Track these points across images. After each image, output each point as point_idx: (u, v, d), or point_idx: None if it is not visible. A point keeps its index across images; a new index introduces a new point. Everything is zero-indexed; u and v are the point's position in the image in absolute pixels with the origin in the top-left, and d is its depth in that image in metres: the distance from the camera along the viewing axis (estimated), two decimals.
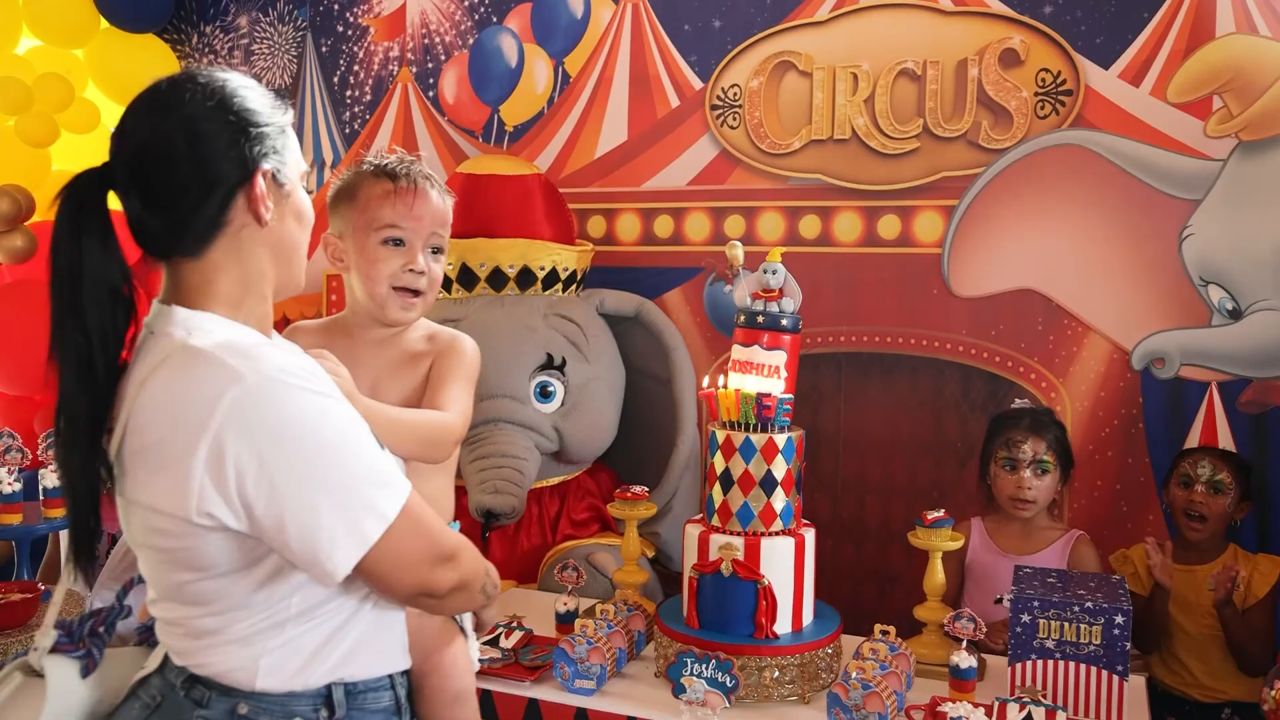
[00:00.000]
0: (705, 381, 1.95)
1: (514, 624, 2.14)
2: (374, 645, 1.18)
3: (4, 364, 3.36)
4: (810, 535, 1.96)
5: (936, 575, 2.01)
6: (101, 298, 1.09)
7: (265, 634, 1.10)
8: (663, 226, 3.12)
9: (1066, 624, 1.78)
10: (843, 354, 2.93)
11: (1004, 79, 2.72)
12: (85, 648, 1.19)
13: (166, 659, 1.16)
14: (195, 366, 1.04)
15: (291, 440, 1.03)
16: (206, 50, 3.82)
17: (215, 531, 1.05)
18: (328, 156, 3.59)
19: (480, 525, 2.48)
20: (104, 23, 3.66)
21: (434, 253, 1.47)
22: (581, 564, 2.49)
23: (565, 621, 2.13)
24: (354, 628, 1.15)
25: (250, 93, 1.15)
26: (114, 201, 1.13)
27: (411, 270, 1.42)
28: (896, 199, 2.84)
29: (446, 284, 2.79)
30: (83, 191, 1.11)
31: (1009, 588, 1.86)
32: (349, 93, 3.56)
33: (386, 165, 1.43)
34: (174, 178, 1.10)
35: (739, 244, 1.93)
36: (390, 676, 1.21)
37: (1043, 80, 2.69)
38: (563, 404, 2.68)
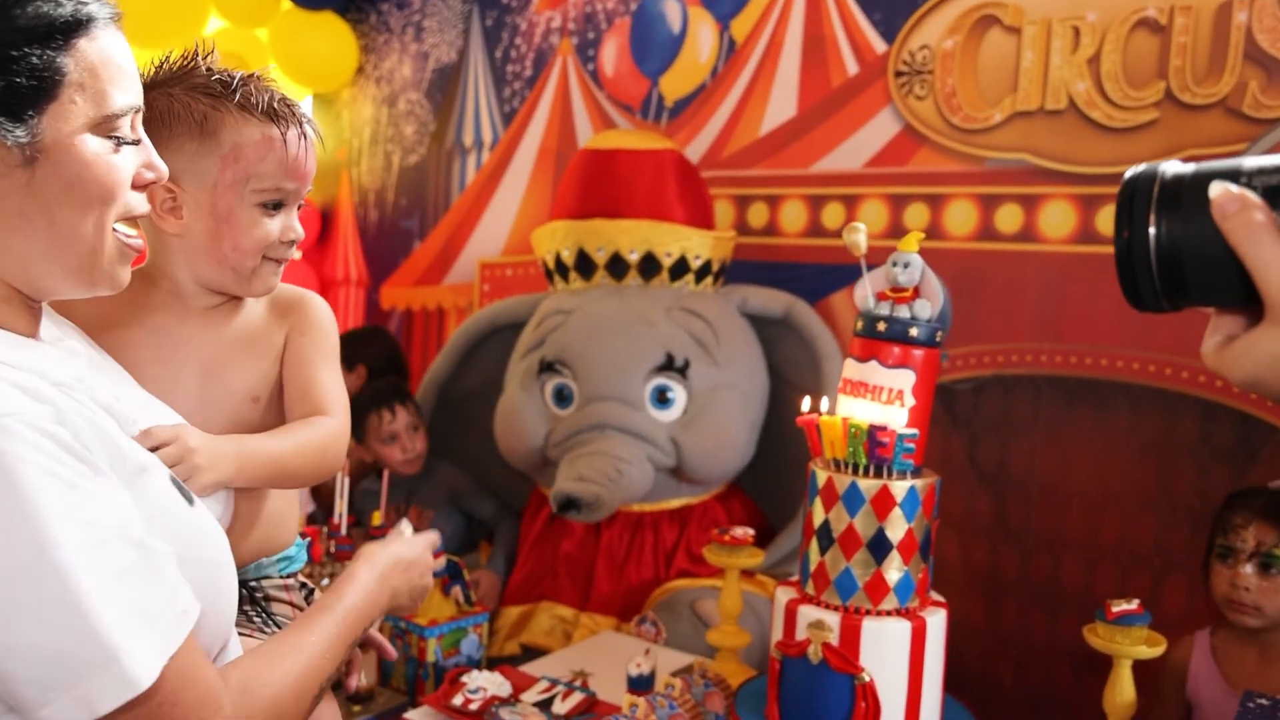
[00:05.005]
0: (806, 405, 1.50)
1: (576, 683, 1.78)
2: None
3: None
4: (938, 620, 1.46)
5: (1122, 690, 1.46)
6: None
7: None
8: (832, 216, 2.65)
9: None
10: (1043, 377, 2.35)
11: None
12: None
13: None
14: None
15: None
16: (383, 28, 3.71)
17: None
18: (487, 137, 3.38)
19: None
20: (286, 2, 3.64)
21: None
22: (683, 613, 2.10)
23: (638, 688, 1.75)
24: None
25: None
26: None
27: (289, 239, 1.11)
28: None
29: (563, 272, 2.47)
30: None
31: None
32: (510, 68, 3.32)
33: (262, 101, 1.07)
34: None
35: (861, 227, 1.46)
36: None
37: None
38: (684, 413, 2.28)
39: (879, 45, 2.56)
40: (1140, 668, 1.47)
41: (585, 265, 2.41)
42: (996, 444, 2.39)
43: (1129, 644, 1.44)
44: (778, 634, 1.49)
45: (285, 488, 1.10)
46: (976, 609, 2.43)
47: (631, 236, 2.35)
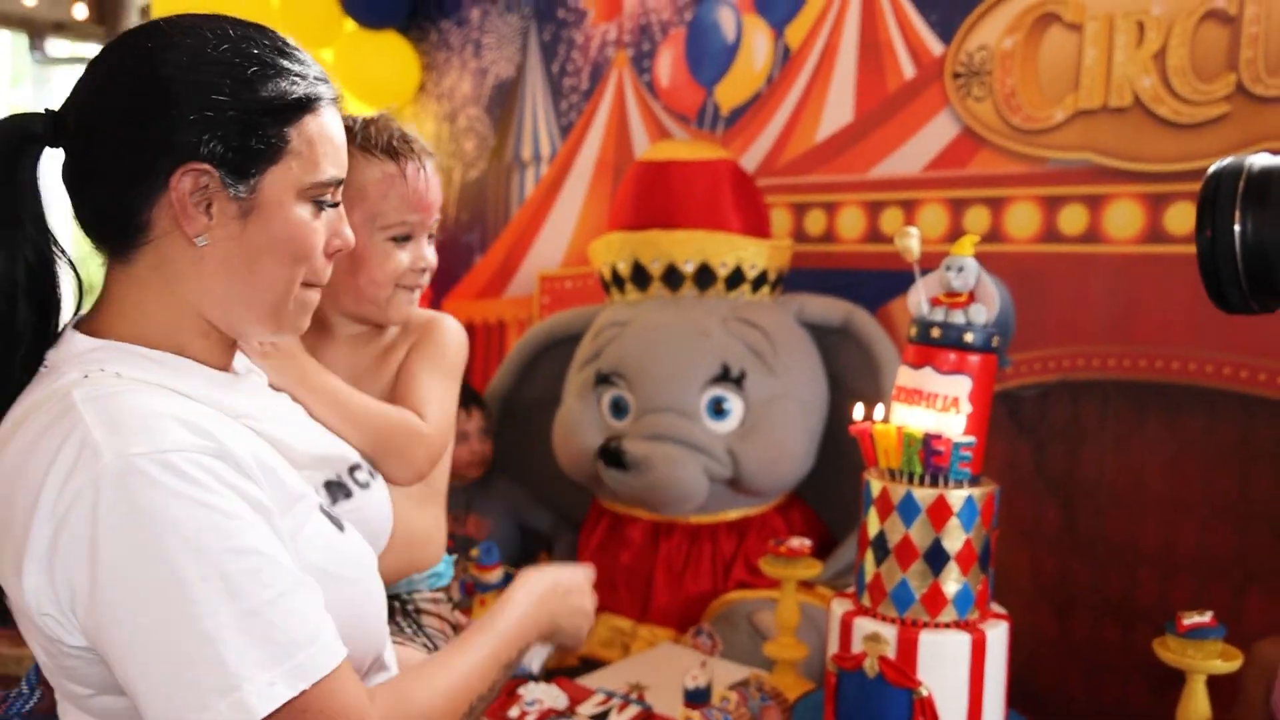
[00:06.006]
0: (859, 413, 1.48)
1: (632, 695, 1.77)
2: None
3: None
4: (999, 632, 1.42)
5: (1196, 707, 1.40)
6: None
7: None
8: (891, 221, 2.61)
9: None
10: (1111, 382, 2.28)
11: None
12: None
13: None
14: (58, 426, 0.80)
15: (139, 564, 0.76)
16: (443, 45, 3.77)
17: (61, 641, 0.81)
18: (545, 150, 3.40)
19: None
20: (349, 23, 3.72)
21: (429, 238, 1.23)
22: (740, 625, 2.08)
23: (694, 701, 1.74)
24: None
25: (230, 54, 0.87)
26: None
27: (421, 268, 1.19)
28: (1193, 182, 2.15)
29: (619, 284, 2.47)
30: (15, 136, 0.89)
31: None
32: (567, 81, 3.34)
33: (381, 140, 1.14)
34: (95, 155, 0.88)
35: (914, 231, 1.44)
36: None
37: None
38: (741, 423, 2.27)
39: (936, 47, 2.52)
40: (1218, 680, 1.41)
41: (641, 277, 2.41)
42: (1064, 451, 2.32)
43: (1202, 658, 1.38)
44: (834, 647, 1.47)
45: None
46: (1046, 621, 2.36)
47: (686, 247, 2.34)
